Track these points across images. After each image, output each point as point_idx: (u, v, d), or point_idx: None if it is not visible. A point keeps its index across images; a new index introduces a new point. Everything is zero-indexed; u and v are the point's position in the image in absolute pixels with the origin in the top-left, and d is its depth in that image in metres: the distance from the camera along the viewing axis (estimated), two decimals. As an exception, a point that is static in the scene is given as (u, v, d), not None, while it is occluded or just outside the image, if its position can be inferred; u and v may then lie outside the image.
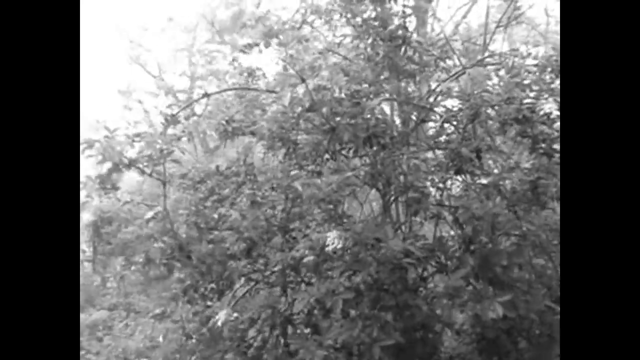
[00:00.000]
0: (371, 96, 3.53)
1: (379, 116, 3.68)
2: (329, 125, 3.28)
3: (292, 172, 3.25)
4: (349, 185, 3.18)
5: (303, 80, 2.95)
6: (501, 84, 3.80)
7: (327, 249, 2.71)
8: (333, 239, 2.65)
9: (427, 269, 3.59)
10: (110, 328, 14.21)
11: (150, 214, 3.45)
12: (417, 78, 4.64)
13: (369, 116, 3.39)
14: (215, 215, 3.71)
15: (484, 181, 3.62)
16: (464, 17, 11.61)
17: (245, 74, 4.18)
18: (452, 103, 4.50)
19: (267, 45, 5.44)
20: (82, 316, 15.62)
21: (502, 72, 4.07)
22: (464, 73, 4.81)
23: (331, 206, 3.20)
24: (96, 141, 3.39)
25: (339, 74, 3.27)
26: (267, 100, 4.20)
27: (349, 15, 4.72)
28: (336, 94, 3.21)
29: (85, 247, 22.69)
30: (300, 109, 3.24)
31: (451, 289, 3.03)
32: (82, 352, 12.44)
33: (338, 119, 3.26)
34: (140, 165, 3.26)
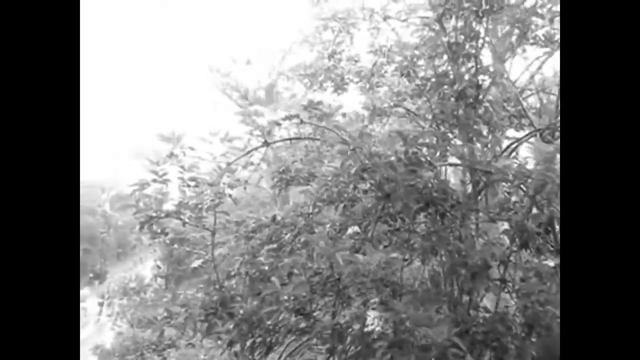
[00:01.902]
0: (430, 160, 3.36)
1: (437, 181, 3.49)
2: (381, 191, 3.15)
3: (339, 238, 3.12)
4: (396, 259, 2.99)
5: (354, 149, 2.87)
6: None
7: (366, 329, 2.53)
8: (373, 319, 2.48)
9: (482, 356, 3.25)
10: (175, 347, 14.61)
11: (197, 263, 3.45)
12: (489, 138, 4.41)
13: (429, 185, 3.21)
14: (266, 268, 3.65)
15: (551, 263, 3.27)
16: (539, 68, 11.12)
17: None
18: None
19: (340, 90, 5.51)
20: (148, 332, 16.27)
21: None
22: (535, 135, 4.51)
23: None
24: (144, 184, 3.47)
25: (394, 138, 3.17)
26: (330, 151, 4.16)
27: (416, 70, 4.65)
28: (392, 158, 3.09)
29: (160, 264, 23.89)
30: (354, 170, 3.15)
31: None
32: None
33: (393, 184, 3.11)
34: (183, 217, 3.28)
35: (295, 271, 3.39)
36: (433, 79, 4.49)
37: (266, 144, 3.86)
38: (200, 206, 3.29)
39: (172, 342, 16.19)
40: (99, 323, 23.80)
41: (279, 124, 3.01)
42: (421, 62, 4.66)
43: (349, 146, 2.94)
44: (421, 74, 4.67)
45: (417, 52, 4.12)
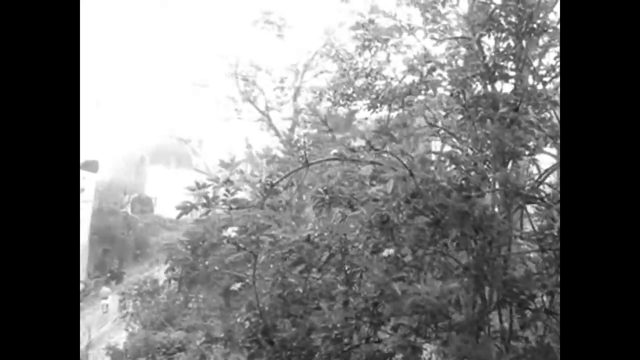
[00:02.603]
0: (480, 187, 3.31)
1: (483, 207, 3.45)
2: (433, 216, 3.12)
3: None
4: (452, 293, 2.95)
5: (411, 174, 2.84)
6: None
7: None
8: (431, 353, 2.45)
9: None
10: (184, 350, 14.63)
11: (237, 286, 3.44)
12: (526, 160, 4.35)
13: (480, 211, 3.17)
14: (300, 289, 3.63)
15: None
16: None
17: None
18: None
19: (373, 108, 5.52)
20: (160, 334, 16.37)
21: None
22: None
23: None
24: (190, 206, 3.48)
25: (445, 163, 3.14)
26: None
27: (458, 91, 4.62)
28: (444, 184, 3.06)
29: (174, 267, 24.06)
30: (403, 194, 3.13)
31: None
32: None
33: (444, 210, 3.08)
34: (238, 243, 3.28)
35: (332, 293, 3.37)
36: (470, 100, 4.46)
37: (307, 164, 3.86)
38: (245, 229, 3.30)
39: (182, 346, 16.21)
40: (114, 322, 24.04)
41: (354, 151, 3.00)
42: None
43: (409, 171, 2.91)
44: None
45: (467, 74, 4.09)
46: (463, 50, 5.08)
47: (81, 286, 27.25)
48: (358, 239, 3.61)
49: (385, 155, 2.99)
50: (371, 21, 4.84)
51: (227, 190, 3.64)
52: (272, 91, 22.47)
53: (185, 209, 3.32)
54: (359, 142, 3.20)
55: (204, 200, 3.49)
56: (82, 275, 30.58)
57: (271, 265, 3.86)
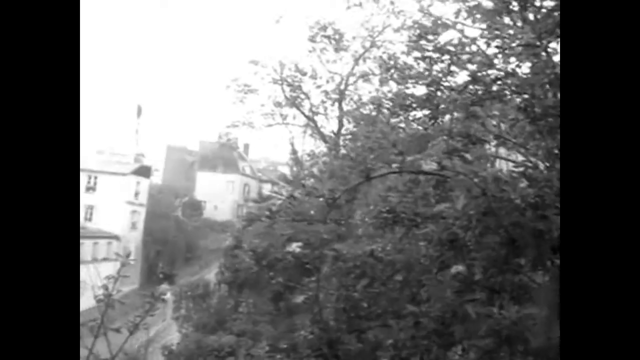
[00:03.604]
0: (556, 204, 3.16)
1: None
2: (506, 235, 3.01)
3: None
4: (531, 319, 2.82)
5: (484, 193, 2.76)
6: None
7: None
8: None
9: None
10: (234, 355, 14.93)
11: (300, 299, 3.47)
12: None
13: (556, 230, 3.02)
14: (365, 304, 3.61)
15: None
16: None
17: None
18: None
19: (434, 119, 5.41)
20: (211, 338, 16.80)
21: None
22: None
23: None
24: (254, 219, 3.54)
25: (518, 179, 3.03)
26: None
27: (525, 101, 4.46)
28: (517, 202, 2.94)
29: (224, 270, 24.68)
30: (473, 212, 3.04)
31: None
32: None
33: (519, 230, 2.96)
34: (302, 258, 3.32)
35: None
36: (539, 110, 4.29)
37: (367, 178, 3.84)
38: (309, 243, 3.33)
39: (232, 350, 16.48)
40: (165, 322, 24.84)
41: (426, 173, 2.97)
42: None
43: (483, 190, 2.83)
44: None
45: (536, 83, 3.94)
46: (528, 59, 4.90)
47: (134, 286, 28.34)
48: (426, 256, 3.55)
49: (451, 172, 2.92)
50: (434, 32, 4.76)
51: (291, 204, 3.70)
52: (317, 96, 22.60)
53: (251, 220, 3.40)
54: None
55: (268, 213, 3.57)
56: (136, 275, 31.94)
57: (333, 279, 3.86)
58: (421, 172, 3.92)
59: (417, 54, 4.92)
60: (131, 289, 22.62)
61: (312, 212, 3.58)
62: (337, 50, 20.96)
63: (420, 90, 5.42)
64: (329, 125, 22.69)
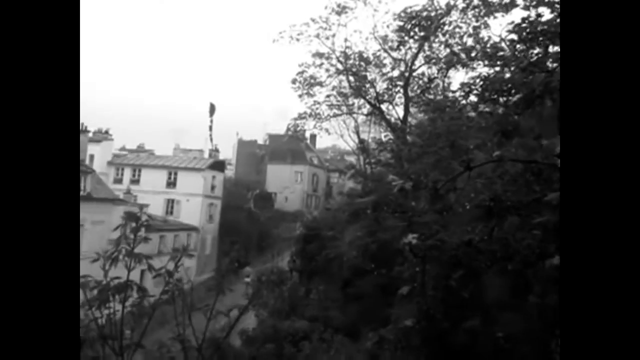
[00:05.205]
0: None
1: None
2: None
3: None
4: None
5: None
6: None
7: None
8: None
9: None
10: (308, 339, 15.34)
11: (405, 290, 3.50)
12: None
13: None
14: (466, 295, 3.57)
15: None
16: None
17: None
18: None
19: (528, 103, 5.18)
20: (286, 323, 17.33)
21: None
22: None
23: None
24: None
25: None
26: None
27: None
28: None
29: (295, 258, 25.26)
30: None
31: None
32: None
33: None
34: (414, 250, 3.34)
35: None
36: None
37: (468, 168, 3.77)
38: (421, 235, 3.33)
39: (305, 334, 16.88)
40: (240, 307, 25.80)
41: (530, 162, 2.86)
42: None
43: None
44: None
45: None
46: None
47: (211, 274, 29.87)
48: (529, 245, 3.44)
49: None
50: (539, 14, 4.53)
51: (391, 198, 3.72)
52: (382, 83, 22.27)
53: (356, 215, 3.49)
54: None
55: (371, 206, 3.63)
56: (212, 264, 33.60)
57: (435, 266, 3.85)
58: (522, 160, 3.80)
59: (513, 36, 4.69)
60: (209, 276, 23.85)
61: (413, 203, 3.59)
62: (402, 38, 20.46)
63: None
64: (394, 113, 22.37)
